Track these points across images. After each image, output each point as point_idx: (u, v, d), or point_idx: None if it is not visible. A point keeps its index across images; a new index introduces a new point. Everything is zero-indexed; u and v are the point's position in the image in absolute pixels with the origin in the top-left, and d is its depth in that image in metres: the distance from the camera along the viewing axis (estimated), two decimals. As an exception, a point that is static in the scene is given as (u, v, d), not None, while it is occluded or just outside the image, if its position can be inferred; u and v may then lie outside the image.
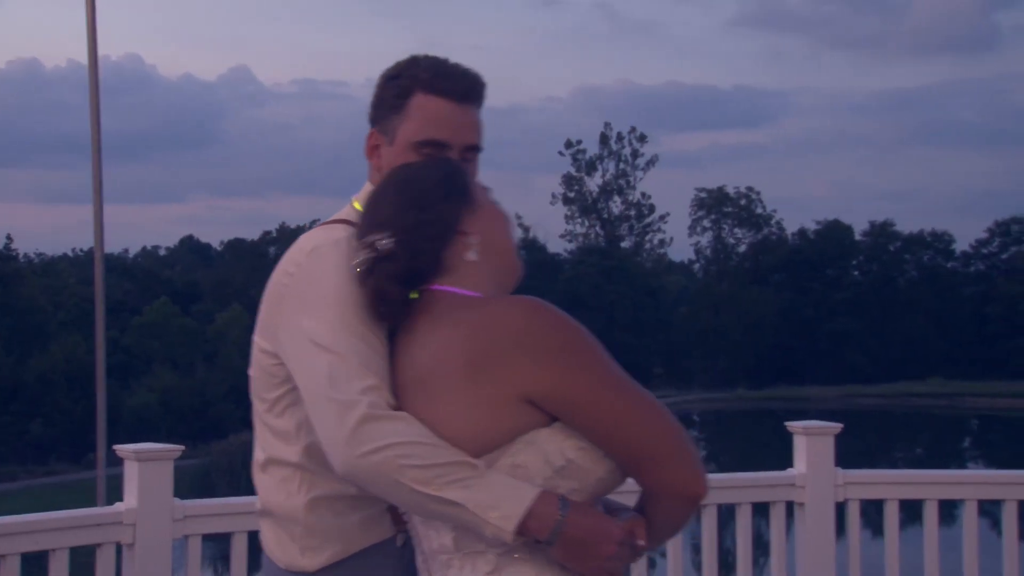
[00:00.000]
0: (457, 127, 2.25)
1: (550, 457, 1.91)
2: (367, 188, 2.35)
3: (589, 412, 1.90)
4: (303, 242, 2.24)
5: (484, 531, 1.90)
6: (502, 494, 1.89)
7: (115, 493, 3.86)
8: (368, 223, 2.10)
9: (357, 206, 2.32)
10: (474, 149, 2.29)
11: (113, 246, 72.16)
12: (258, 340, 2.26)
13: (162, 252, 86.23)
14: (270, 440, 2.27)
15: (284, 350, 2.17)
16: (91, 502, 5.18)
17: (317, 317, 2.09)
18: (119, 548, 3.63)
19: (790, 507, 4.33)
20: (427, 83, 2.24)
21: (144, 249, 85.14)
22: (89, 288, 45.07)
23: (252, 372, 2.29)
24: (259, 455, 2.30)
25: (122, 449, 3.69)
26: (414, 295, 2.06)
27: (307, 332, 2.08)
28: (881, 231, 77.78)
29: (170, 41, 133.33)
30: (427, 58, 2.29)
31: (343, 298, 2.08)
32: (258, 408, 2.29)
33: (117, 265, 65.51)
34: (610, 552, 1.93)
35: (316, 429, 2.05)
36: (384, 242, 2.05)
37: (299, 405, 2.16)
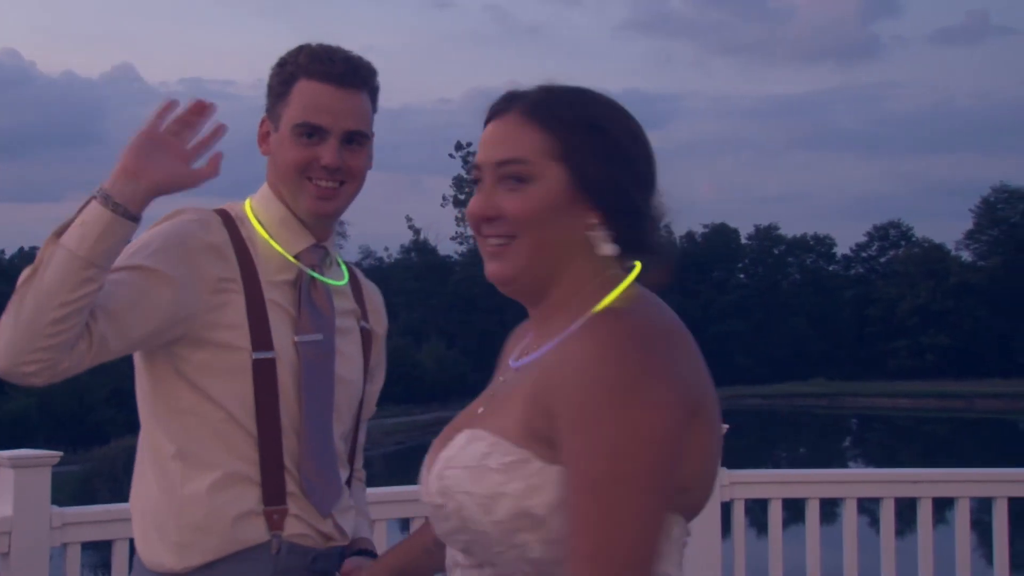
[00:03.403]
0: (335, 112, 2.22)
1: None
2: (264, 189, 2.32)
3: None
4: None
5: None
6: None
7: (-10, 501, 3.74)
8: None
9: (248, 207, 2.30)
10: (359, 135, 2.25)
11: (-11, 246, 69.98)
12: None
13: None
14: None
15: None
16: (-35, 511, 5.01)
17: None
18: (-6, 558, 3.52)
19: (677, 507, 4.39)
20: (307, 68, 2.23)
21: (22, 250, 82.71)
22: (-36, 289, 43.64)
23: None
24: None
25: (-3, 456, 3.58)
26: None
27: None
28: (766, 234, 79.49)
29: (50, 37, 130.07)
30: (315, 45, 2.27)
31: None
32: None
33: (-6, 266, 63.58)
34: None
35: None
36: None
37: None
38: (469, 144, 78.68)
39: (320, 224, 2.29)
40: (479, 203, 1.66)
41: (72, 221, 1.92)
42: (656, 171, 1.69)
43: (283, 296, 2.23)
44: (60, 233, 1.92)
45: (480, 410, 1.71)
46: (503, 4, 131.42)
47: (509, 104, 1.69)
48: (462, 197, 78.38)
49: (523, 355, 1.71)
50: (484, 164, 1.67)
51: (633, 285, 1.64)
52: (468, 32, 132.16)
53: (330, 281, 2.32)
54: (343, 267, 2.41)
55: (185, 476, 2.16)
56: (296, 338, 2.21)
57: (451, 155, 78.95)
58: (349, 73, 2.24)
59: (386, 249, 76.81)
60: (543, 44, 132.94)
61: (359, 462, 2.49)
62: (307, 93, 2.22)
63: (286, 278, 2.25)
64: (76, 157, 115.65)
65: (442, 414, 52.78)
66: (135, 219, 1.94)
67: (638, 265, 1.67)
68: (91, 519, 3.64)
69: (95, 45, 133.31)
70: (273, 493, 2.18)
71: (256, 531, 2.17)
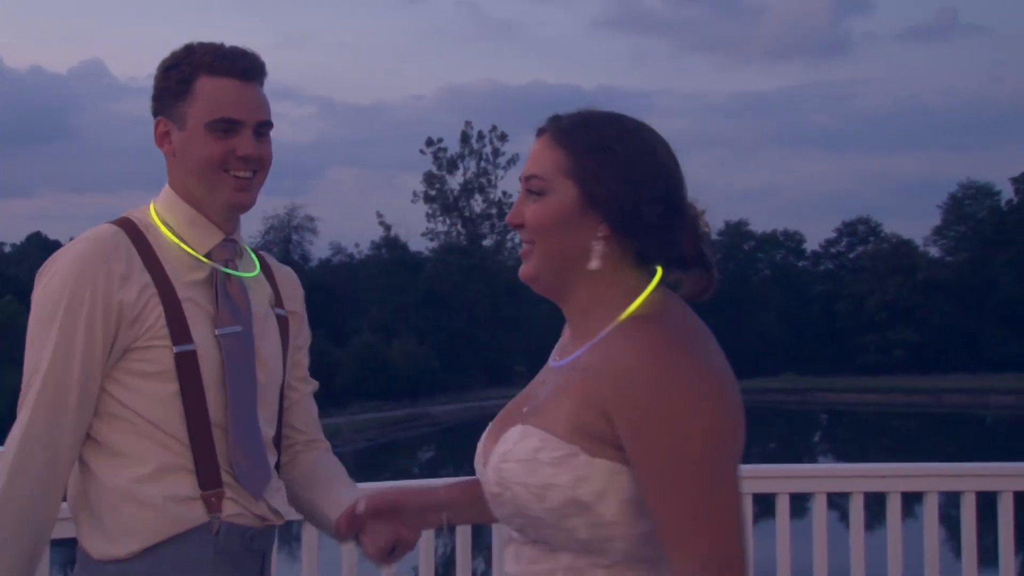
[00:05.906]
0: (247, 105, 2.30)
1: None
2: (168, 191, 2.36)
3: None
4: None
5: None
6: None
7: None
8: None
9: (153, 211, 2.35)
10: (266, 125, 2.34)
11: (-45, 242, 69.31)
12: None
13: (7, 249, 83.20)
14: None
15: None
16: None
17: None
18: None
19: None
20: (209, 66, 2.29)
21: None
22: (-70, 286, 43.05)
23: None
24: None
25: (-37, 454, 3.54)
26: None
27: None
28: (736, 230, 79.81)
29: (18, 32, 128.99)
30: (202, 44, 2.34)
31: None
32: None
33: (-40, 262, 62.97)
34: None
35: None
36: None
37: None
38: (440, 140, 78.61)
39: (230, 218, 2.36)
40: (512, 211, 1.89)
41: None
42: (677, 186, 1.87)
43: (199, 294, 2.29)
44: None
45: (524, 409, 1.87)
46: (476, 0, 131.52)
47: (548, 126, 1.88)
48: (432, 193, 78.32)
49: (562, 356, 1.91)
50: (521, 177, 1.88)
51: (658, 291, 1.84)
52: (440, 28, 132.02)
53: (243, 274, 2.38)
54: (253, 257, 2.48)
55: (118, 468, 2.22)
56: (216, 331, 2.26)
57: (422, 151, 78.75)
58: (250, 68, 2.32)
59: (356, 245, 76.51)
60: (516, 41, 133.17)
61: (318, 433, 2.59)
62: (215, 89, 2.28)
63: (199, 277, 2.30)
64: (45, 153, 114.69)
65: (413, 410, 52.63)
66: None
67: (659, 272, 1.86)
68: (59, 516, 3.61)
69: (63, 39, 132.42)
70: (208, 479, 2.24)
71: (195, 513, 2.22)
